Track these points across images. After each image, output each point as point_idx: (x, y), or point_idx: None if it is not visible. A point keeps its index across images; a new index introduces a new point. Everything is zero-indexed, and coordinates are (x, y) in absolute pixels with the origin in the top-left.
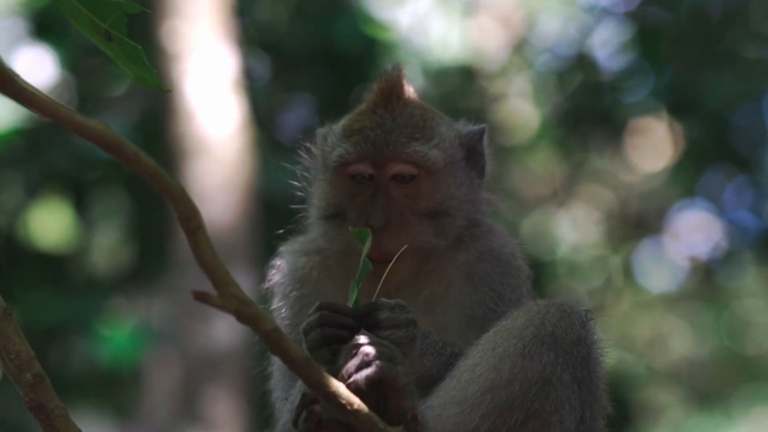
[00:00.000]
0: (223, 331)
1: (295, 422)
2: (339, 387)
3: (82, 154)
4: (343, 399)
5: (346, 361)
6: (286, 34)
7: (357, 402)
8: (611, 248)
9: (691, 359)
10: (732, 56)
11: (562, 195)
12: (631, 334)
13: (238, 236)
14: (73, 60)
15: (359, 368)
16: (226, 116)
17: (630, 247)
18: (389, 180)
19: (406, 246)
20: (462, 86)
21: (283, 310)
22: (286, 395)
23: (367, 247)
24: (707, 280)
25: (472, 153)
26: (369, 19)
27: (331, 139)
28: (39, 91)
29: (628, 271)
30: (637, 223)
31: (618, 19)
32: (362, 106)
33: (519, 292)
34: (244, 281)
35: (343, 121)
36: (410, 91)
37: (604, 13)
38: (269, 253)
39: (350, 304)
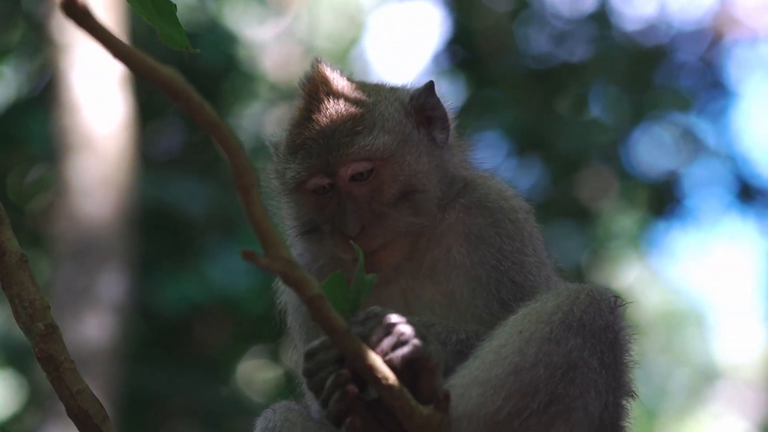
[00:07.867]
0: (94, 329)
1: (325, 401)
2: (376, 360)
3: None
4: (379, 373)
5: (380, 340)
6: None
7: (392, 377)
8: None
9: None
10: (574, 110)
11: None
12: None
13: (114, 234)
14: None
15: (395, 347)
16: (111, 112)
17: None
18: (348, 183)
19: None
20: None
21: (295, 337)
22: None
23: (360, 262)
24: None
25: (422, 114)
26: (233, 38)
27: (278, 158)
28: (113, 33)
29: None
30: None
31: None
32: (296, 115)
33: (520, 239)
34: (117, 278)
35: (284, 136)
36: (337, 81)
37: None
38: (144, 252)
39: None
